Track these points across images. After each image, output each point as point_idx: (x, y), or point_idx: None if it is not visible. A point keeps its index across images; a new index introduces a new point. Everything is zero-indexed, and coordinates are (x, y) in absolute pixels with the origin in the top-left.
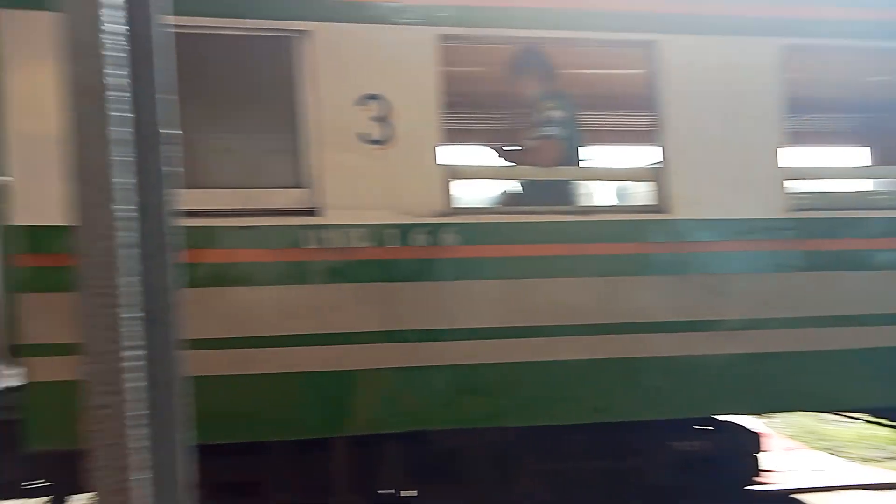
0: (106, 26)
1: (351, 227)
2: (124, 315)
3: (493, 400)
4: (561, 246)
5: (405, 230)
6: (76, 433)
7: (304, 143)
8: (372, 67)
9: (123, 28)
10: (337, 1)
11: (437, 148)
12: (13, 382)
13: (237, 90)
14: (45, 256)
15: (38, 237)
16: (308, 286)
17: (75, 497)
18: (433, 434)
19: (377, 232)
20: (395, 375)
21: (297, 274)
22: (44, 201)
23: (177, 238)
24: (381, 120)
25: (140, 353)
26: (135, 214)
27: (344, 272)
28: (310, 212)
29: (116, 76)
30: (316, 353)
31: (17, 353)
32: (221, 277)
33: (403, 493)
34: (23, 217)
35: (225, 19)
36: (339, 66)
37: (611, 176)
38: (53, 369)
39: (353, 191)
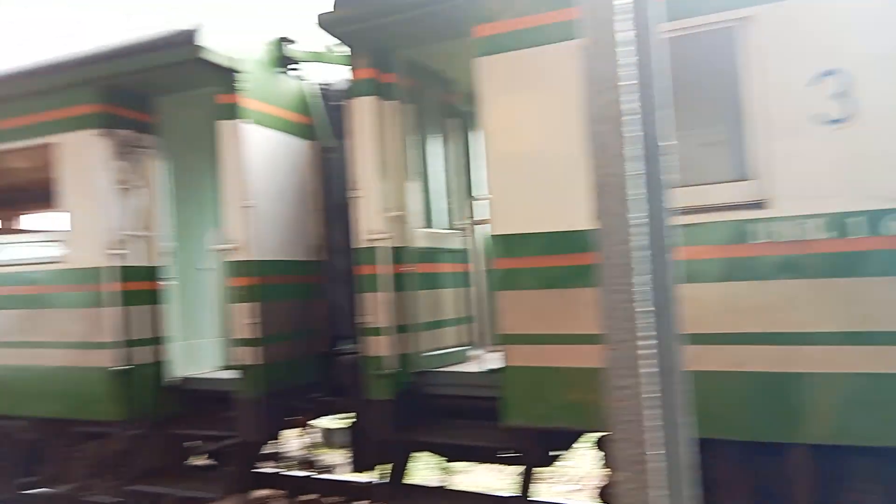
0: (620, 60)
1: (806, 217)
2: (638, 309)
3: None
4: None
5: (875, 217)
6: (543, 413)
7: (748, 133)
8: (828, 40)
9: (635, 59)
10: None
11: None
12: (495, 365)
13: (675, 89)
14: (514, 260)
15: (509, 244)
16: (755, 283)
17: (541, 469)
18: None
19: (838, 221)
20: (865, 382)
21: (743, 270)
22: (512, 214)
23: (675, 238)
24: (842, 96)
25: (651, 342)
26: (645, 220)
27: (798, 267)
28: (757, 204)
29: (629, 102)
30: (764, 352)
31: (499, 341)
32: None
33: None
34: (498, 227)
35: (668, 23)
36: (788, 46)
37: None
38: (523, 356)
39: (807, 178)
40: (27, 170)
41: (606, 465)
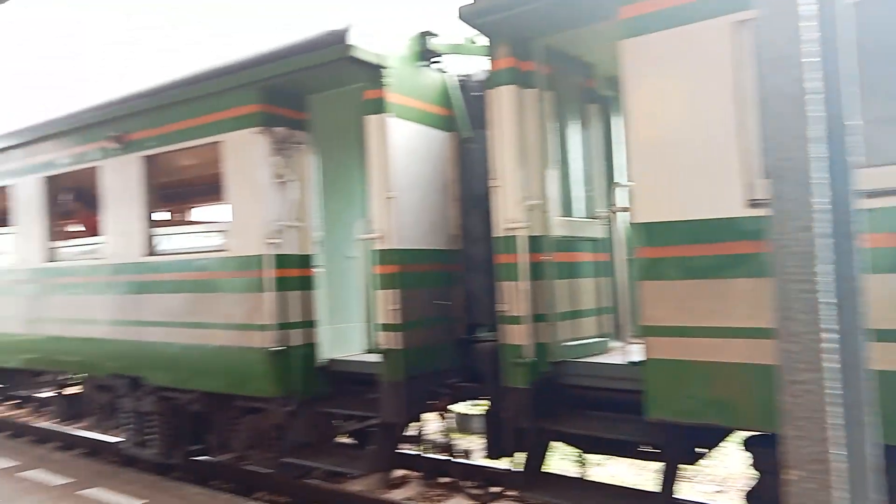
0: (803, 35)
1: None
2: (820, 300)
3: None
4: None
5: None
6: (688, 408)
7: None
8: None
9: (816, 35)
10: None
11: None
12: (638, 357)
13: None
14: (658, 249)
15: (652, 232)
16: None
17: (685, 467)
18: None
19: None
20: None
21: None
22: (656, 201)
23: (861, 225)
24: None
25: (833, 336)
26: (828, 205)
27: None
28: None
29: (811, 80)
30: None
31: (641, 332)
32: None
33: None
34: (640, 215)
35: None
36: None
37: None
38: (668, 349)
39: None
40: (195, 166)
41: (755, 467)
